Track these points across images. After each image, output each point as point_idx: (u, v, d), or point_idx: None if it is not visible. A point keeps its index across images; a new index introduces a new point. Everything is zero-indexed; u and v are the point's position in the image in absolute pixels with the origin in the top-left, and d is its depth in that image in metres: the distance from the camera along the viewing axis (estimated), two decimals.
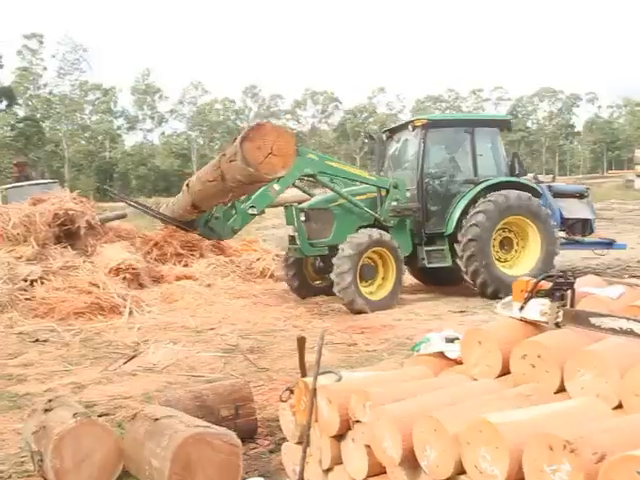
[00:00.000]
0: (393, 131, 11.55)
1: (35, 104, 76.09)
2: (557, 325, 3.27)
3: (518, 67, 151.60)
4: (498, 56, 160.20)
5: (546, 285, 3.41)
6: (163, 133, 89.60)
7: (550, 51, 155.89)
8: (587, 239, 11.67)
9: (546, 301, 3.35)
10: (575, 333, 3.18)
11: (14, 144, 64.72)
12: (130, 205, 11.46)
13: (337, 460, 3.30)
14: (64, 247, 11.49)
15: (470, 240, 9.75)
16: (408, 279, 10.85)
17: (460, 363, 3.52)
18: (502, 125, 11.16)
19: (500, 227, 10.08)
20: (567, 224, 11.48)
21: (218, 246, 13.61)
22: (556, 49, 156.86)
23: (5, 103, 67.69)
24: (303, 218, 9.84)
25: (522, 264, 10.14)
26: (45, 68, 76.98)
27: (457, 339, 3.72)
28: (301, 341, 3.65)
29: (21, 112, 72.35)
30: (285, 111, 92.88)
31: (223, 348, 7.31)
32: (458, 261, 9.95)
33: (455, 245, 9.99)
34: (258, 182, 7.58)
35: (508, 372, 3.20)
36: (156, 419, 3.71)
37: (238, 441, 3.56)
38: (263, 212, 9.57)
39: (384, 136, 11.54)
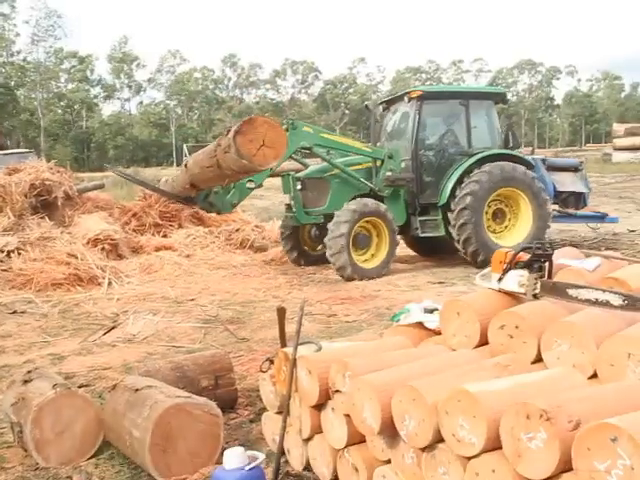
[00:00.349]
0: (389, 102, 11.62)
1: (9, 71, 74.44)
2: (535, 296, 3.31)
3: (498, 39, 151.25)
4: (478, 27, 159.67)
5: (524, 257, 3.44)
6: (141, 102, 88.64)
7: (531, 23, 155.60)
8: (580, 212, 11.75)
9: (524, 272, 3.38)
10: (552, 304, 3.22)
11: None
12: (128, 179, 11.50)
13: (317, 429, 3.34)
14: (41, 218, 11.37)
15: (463, 209, 9.90)
16: (401, 249, 10.96)
17: (439, 333, 3.56)
18: (497, 98, 11.29)
19: (493, 198, 10.22)
20: (560, 197, 11.56)
21: (197, 216, 13.54)
22: (537, 21, 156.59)
23: None
24: (299, 187, 10.04)
25: (514, 235, 10.26)
26: (18, 34, 75.37)
27: (436, 310, 3.76)
28: (281, 311, 3.66)
29: None
30: (264, 81, 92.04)
31: (203, 319, 7.32)
32: (450, 229, 10.11)
33: (448, 214, 10.15)
34: (253, 172, 7.83)
35: (486, 342, 3.23)
36: (136, 390, 3.71)
37: (218, 411, 3.58)
38: (261, 185, 9.67)
39: (380, 107, 11.68)
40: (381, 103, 11.96)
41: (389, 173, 10.21)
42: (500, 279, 3.48)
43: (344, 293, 8.45)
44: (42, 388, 3.87)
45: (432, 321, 3.69)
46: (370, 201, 9.76)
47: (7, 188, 11.27)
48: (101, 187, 15.32)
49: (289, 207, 10.38)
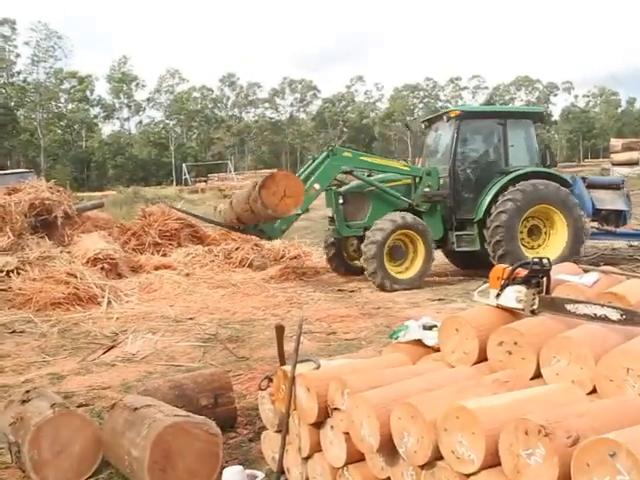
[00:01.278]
0: (431, 121, 11.99)
1: (9, 92, 74.78)
2: (533, 312, 3.31)
3: (496, 56, 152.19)
4: (476, 45, 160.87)
5: (522, 272, 3.45)
6: (140, 122, 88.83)
7: (527, 40, 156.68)
8: (619, 230, 11.86)
9: (522, 288, 3.38)
10: (551, 320, 3.22)
11: None
12: (184, 213, 12.82)
13: (316, 448, 3.32)
14: (41, 237, 11.41)
15: (498, 227, 10.17)
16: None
17: (438, 350, 3.55)
18: (535, 117, 11.51)
19: (528, 215, 10.46)
20: (600, 215, 11.68)
21: (196, 235, 13.59)
22: (533, 38, 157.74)
23: None
24: (341, 201, 10.62)
25: (549, 251, 10.38)
26: (18, 55, 75.78)
27: (435, 327, 3.75)
28: (280, 330, 3.66)
29: None
30: (263, 100, 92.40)
31: (202, 337, 7.31)
32: (486, 246, 10.35)
33: (484, 231, 10.41)
34: (279, 219, 8.99)
35: (485, 359, 3.23)
36: (135, 409, 3.70)
37: (217, 430, 3.56)
38: (307, 211, 10.52)
39: (423, 125, 12.20)
40: (423, 121, 12.44)
41: (427, 189, 10.66)
42: (498, 295, 3.48)
43: (344, 311, 8.45)
44: (40, 408, 3.86)
45: (431, 338, 3.69)
46: (409, 215, 10.23)
47: (7, 208, 11.32)
48: (100, 206, 15.37)
49: (332, 220, 11.01)
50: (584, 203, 10.99)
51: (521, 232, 10.47)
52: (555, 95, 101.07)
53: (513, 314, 3.41)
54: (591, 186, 11.75)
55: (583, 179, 11.88)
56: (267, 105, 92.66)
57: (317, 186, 10.04)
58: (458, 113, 10.85)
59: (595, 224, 11.61)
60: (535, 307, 3.32)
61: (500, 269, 3.59)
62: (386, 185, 10.66)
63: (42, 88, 75.71)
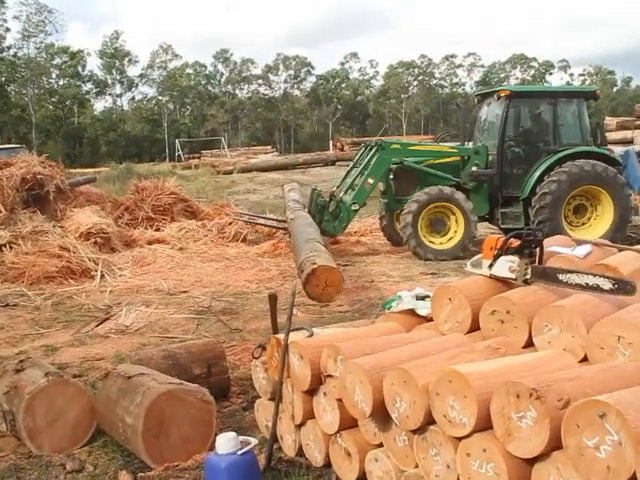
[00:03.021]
0: (483, 96, 12.04)
1: None
2: (526, 282, 3.33)
3: (491, 34, 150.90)
4: (471, 22, 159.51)
5: (515, 243, 3.46)
6: (133, 98, 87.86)
7: (524, 18, 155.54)
8: None
9: (515, 258, 3.40)
10: (543, 289, 3.24)
11: None
12: (250, 217, 13.28)
13: (309, 415, 3.35)
14: (33, 211, 11.32)
15: (541, 207, 10.28)
16: None
17: (431, 320, 3.57)
18: (587, 96, 11.46)
19: (574, 194, 10.50)
20: None
21: (190, 210, 13.53)
22: (530, 15, 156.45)
23: None
24: (392, 177, 11.07)
25: (595, 230, 10.50)
26: (8, 29, 74.69)
27: (427, 297, 3.77)
28: (272, 298, 3.67)
29: None
30: (257, 76, 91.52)
31: (196, 310, 7.31)
32: (531, 225, 10.35)
33: (529, 209, 10.53)
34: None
35: (478, 328, 3.25)
36: (129, 377, 3.72)
37: (211, 398, 3.59)
38: (364, 204, 11.09)
39: (475, 99, 12.39)
40: (476, 96, 12.55)
41: (474, 168, 10.89)
42: (491, 265, 3.50)
43: None
44: (34, 377, 3.87)
45: (423, 308, 3.71)
46: (446, 188, 10.56)
47: None
48: (93, 181, 15.28)
49: (383, 193, 11.57)
50: (635, 179, 10.90)
51: (567, 211, 10.56)
52: (551, 74, 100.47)
53: (505, 284, 3.43)
54: None
55: (638, 154, 11.74)
56: (261, 82, 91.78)
57: (371, 180, 10.76)
58: (508, 93, 10.90)
59: None
60: (528, 277, 3.33)
61: (493, 239, 3.60)
62: (436, 162, 11.05)
63: (33, 63, 74.77)
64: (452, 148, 11.52)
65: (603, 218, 10.59)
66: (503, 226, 10.87)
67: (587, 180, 10.39)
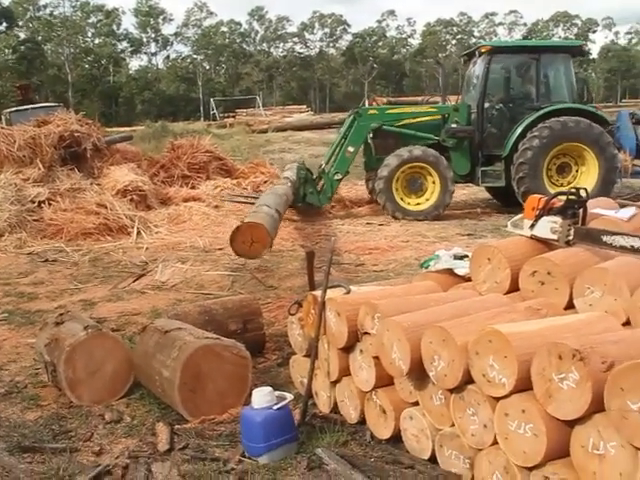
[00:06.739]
0: (469, 55, 11.84)
1: (36, 26, 74.17)
2: (568, 243, 3.24)
3: None
4: None
5: (558, 203, 3.37)
6: (168, 57, 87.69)
7: None
8: None
9: (557, 219, 3.31)
10: (586, 251, 3.16)
11: (16, 67, 63.53)
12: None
13: (345, 372, 3.35)
14: (70, 169, 11.44)
15: (522, 163, 10.11)
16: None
17: (469, 280, 3.52)
18: (573, 51, 11.14)
19: (558, 152, 10.28)
20: None
21: (225, 168, 13.56)
22: None
23: (5, 25, 66.12)
24: (371, 135, 10.92)
25: None
26: None
27: (466, 257, 3.71)
28: (310, 255, 3.66)
29: (22, 35, 70.60)
30: (292, 34, 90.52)
31: (231, 267, 7.35)
32: (512, 182, 10.30)
33: (511, 167, 10.35)
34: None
35: (517, 289, 3.20)
36: (166, 331, 3.75)
37: (247, 353, 3.60)
38: (348, 173, 11.10)
39: (462, 60, 12.43)
40: (462, 56, 12.52)
41: (454, 125, 10.72)
42: (532, 226, 3.42)
43: (372, 243, 8.43)
44: (74, 329, 3.94)
45: (462, 267, 3.65)
46: (419, 149, 10.39)
47: (37, 140, 11.32)
48: (129, 139, 15.34)
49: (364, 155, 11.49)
50: (627, 140, 10.60)
51: (549, 169, 10.30)
52: (594, 32, 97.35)
53: (546, 245, 3.36)
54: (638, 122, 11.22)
55: (632, 115, 11.34)
56: (296, 40, 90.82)
57: (351, 149, 10.73)
58: (489, 48, 10.68)
59: (638, 162, 11.16)
60: (570, 238, 3.25)
61: (535, 199, 3.52)
62: (416, 120, 10.84)
63: (69, 22, 74.96)
64: (432, 107, 11.36)
65: (587, 178, 10.24)
66: (482, 184, 10.86)
67: (570, 137, 10.11)
